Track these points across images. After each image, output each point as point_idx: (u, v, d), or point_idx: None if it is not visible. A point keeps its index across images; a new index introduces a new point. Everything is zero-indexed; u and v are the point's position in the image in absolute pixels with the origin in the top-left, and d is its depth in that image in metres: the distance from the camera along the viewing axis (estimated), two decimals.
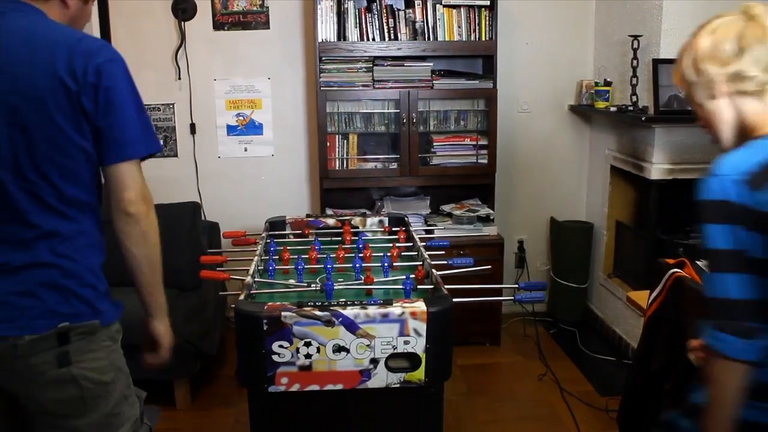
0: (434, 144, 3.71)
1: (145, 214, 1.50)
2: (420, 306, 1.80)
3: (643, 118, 3.20)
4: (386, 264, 2.22)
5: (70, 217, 1.48)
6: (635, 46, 3.31)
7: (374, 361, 1.80)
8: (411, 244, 2.55)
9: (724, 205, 1.23)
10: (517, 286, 2.22)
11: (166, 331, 1.65)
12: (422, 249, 2.39)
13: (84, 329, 1.48)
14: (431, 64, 3.61)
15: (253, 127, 3.91)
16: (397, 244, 2.51)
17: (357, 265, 2.22)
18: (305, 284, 2.12)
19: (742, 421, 1.30)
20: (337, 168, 3.66)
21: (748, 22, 1.33)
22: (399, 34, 3.55)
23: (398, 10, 3.57)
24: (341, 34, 3.53)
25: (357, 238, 2.57)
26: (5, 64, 1.41)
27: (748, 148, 1.30)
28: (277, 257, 2.40)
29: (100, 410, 1.52)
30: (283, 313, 1.77)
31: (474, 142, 3.72)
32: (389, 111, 3.64)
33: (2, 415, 1.53)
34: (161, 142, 1.52)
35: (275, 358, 1.78)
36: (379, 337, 1.78)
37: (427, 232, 3.31)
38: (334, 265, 2.26)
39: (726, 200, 1.23)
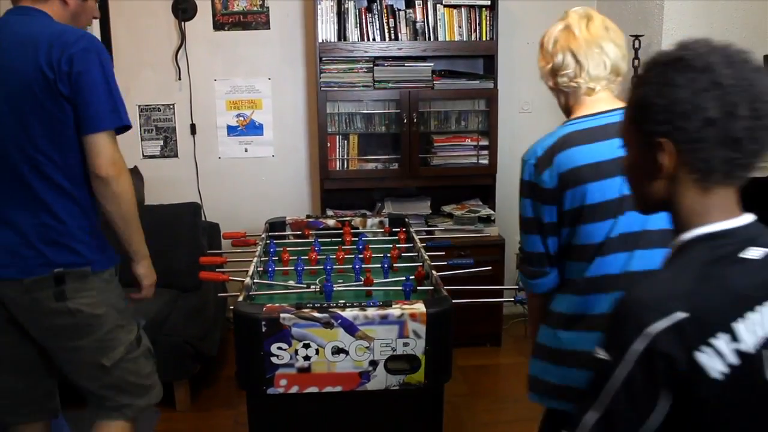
0: (435, 144, 3.69)
1: (115, 177, 1.74)
2: (419, 308, 1.79)
3: None
4: (386, 265, 2.21)
5: (65, 188, 1.76)
6: (636, 46, 3.30)
7: (373, 363, 1.79)
8: (411, 244, 2.54)
9: (526, 183, 1.57)
10: (518, 287, 2.21)
11: (146, 272, 1.94)
12: (422, 250, 2.38)
13: (77, 274, 1.78)
14: (432, 64, 3.60)
15: (253, 128, 3.90)
16: (397, 245, 2.50)
17: (357, 266, 2.21)
18: (305, 285, 2.11)
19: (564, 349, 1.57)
20: (337, 168, 3.65)
21: (564, 28, 1.58)
22: (399, 35, 3.54)
23: (399, 10, 3.56)
24: (341, 34, 3.52)
25: (357, 239, 2.57)
26: (8, 62, 1.72)
27: (549, 134, 1.56)
28: (276, 258, 2.39)
29: (94, 335, 1.81)
30: (281, 315, 1.76)
31: (475, 143, 3.71)
32: (390, 111, 3.63)
33: (20, 339, 1.85)
34: (129, 119, 1.81)
35: (274, 359, 1.77)
36: (378, 339, 1.77)
37: (428, 232, 3.30)
38: (334, 266, 2.25)
39: (527, 180, 1.57)
